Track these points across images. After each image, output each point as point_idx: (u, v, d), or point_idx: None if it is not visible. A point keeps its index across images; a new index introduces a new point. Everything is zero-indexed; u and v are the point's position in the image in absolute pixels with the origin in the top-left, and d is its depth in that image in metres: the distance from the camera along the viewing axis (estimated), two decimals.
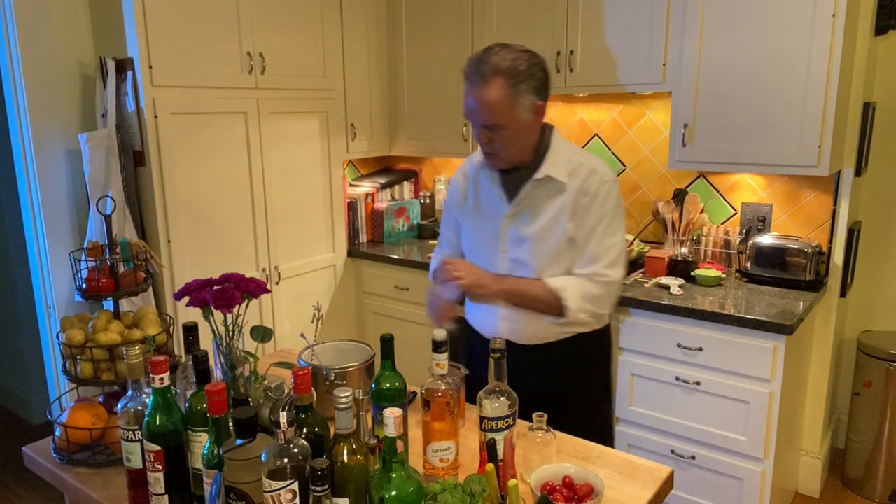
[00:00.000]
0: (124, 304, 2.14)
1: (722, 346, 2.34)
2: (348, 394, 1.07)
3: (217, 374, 1.37)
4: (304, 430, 1.14)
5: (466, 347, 1.84)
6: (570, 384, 1.73)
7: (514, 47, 1.55)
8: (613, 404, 1.89)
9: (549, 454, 1.34)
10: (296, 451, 1.04)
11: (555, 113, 3.33)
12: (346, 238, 3.38)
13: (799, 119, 2.37)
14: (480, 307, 1.76)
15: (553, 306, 1.62)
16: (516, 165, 1.66)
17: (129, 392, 1.23)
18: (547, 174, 1.63)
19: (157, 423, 1.16)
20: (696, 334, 2.39)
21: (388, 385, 1.33)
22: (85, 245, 1.88)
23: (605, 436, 1.80)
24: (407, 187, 3.79)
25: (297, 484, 1.03)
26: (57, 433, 1.46)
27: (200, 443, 1.19)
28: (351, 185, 3.61)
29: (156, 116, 2.44)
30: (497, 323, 1.71)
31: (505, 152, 1.61)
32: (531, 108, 1.57)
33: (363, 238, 3.57)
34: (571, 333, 1.70)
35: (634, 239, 2.72)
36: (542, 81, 1.57)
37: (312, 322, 1.50)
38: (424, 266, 3.14)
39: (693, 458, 2.48)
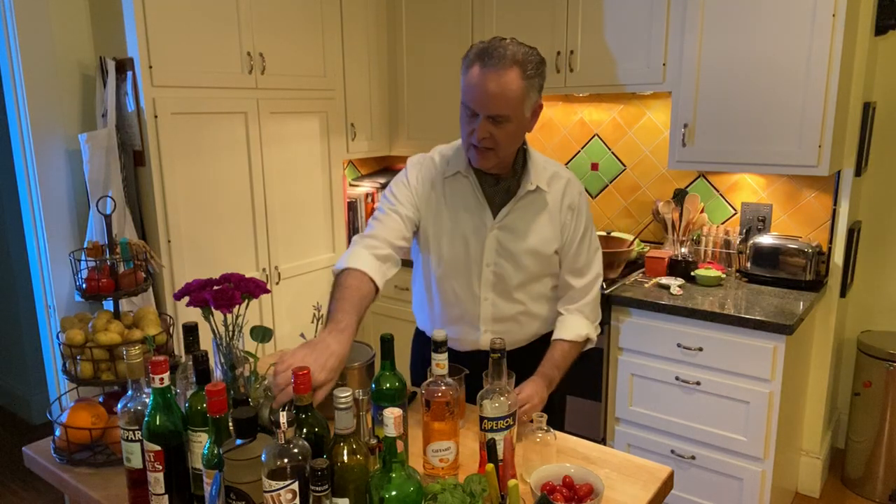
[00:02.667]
0: (124, 304, 2.14)
1: (722, 346, 2.34)
2: (348, 394, 1.07)
3: (217, 374, 1.37)
4: (304, 430, 1.14)
5: (425, 362, 1.74)
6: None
7: (520, 42, 1.51)
8: (565, 392, 1.93)
9: (549, 454, 1.34)
10: (296, 451, 1.04)
11: (555, 113, 3.33)
12: (346, 238, 3.38)
13: (799, 119, 2.37)
14: (458, 322, 1.73)
15: (581, 351, 1.74)
16: (495, 173, 1.62)
17: (129, 392, 1.23)
18: (537, 185, 1.62)
19: (157, 423, 1.16)
20: (696, 334, 2.39)
21: (388, 385, 1.32)
22: (85, 245, 1.88)
23: (562, 422, 1.89)
24: None
25: (297, 484, 1.03)
26: (57, 433, 1.46)
27: (200, 443, 1.19)
28: (351, 185, 3.61)
29: (156, 116, 2.44)
30: (480, 337, 1.71)
31: (502, 150, 1.54)
32: (533, 106, 1.54)
33: None
34: (539, 335, 1.76)
35: (634, 239, 2.72)
36: (543, 82, 1.54)
37: (312, 322, 1.49)
38: None
39: (693, 458, 2.48)
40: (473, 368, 1.57)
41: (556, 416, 1.85)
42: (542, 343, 1.75)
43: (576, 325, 1.70)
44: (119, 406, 1.23)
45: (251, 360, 1.38)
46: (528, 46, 1.51)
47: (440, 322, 1.76)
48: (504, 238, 1.64)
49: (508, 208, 1.63)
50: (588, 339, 1.72)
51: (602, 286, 1.81)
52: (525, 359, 1.71)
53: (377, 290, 1.52)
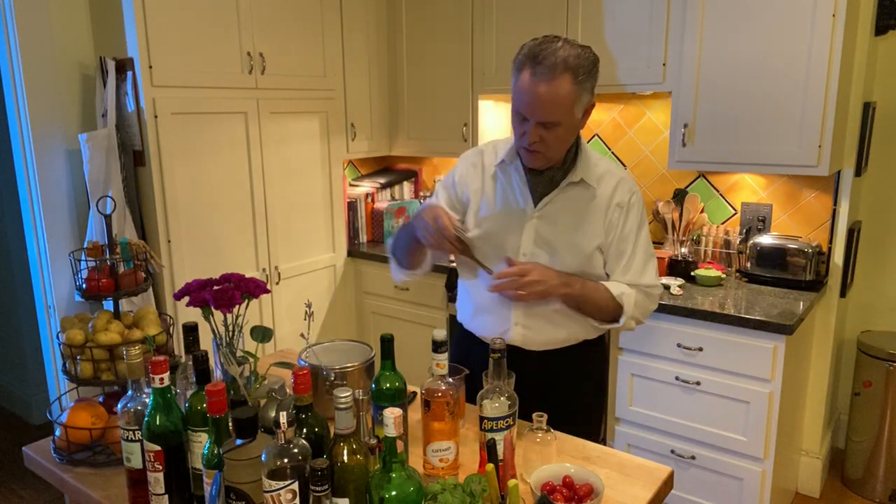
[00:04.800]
0: (124, 304, 2.14)
1: (722, 346, 2.34)
2: (348, 394, 1.07)
3: (217, 374, 1.37)
4: (304, 430, 1.14)
5: (462, 354, 1.78)
6: (570, 387, 1.73)
7: (572, 42, 1.47)
8: (606, 403, 1.89)
9: (549, 454, 1.34)
10: (296, 451, 1.04)
11: None
12: (346, 238, 3.38)
13: (799, 119, 2.37)
14: (489, 313, 1.70)
15: (609, 313, 1.62)
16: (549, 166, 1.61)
17: (129, 392, 1.23)
18: (582, 178, 1.60)
19: (157, 423, 1.16)
20: (696, 334, 2.39)
21: (388, 385, 1.33)
22: (85, 245, 1.88)
23: (598, 432, 1.85)
24: (407, 187, 3.80)
25: (297, 484, 1.03)
26: (57, 433, 1.46)
27: (200, 443, 1.19)
28: (351, 185, 3.62)
29: (156, 116, 2.44)
30: (510, 329, 1.67)
31: (553, 151, 1.54)
32: (585, 106, 1.51)
33: (363, 238, 3.57)
34: (577, 340, 1.70)
35: None
36: (596, 81, 1.52)
37: (305, 319, 1.49)
38: None
39: (693, 458, 2.48)
40: None
41: (594, 427, 1.83)
42: (579, 349, 1.70)
43: (620, 287, 1.62)
44: (119, 406, 1.23)
45: (251, 360, 1.38)
46: (581, 46, 1.46)
47: (473, 313, 1.74)
48: (543, 228, 1.62)
49: (550, 198, 1.61)
50: (623, 310, 1.60)
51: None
52: (557, 363, 1.68)
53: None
